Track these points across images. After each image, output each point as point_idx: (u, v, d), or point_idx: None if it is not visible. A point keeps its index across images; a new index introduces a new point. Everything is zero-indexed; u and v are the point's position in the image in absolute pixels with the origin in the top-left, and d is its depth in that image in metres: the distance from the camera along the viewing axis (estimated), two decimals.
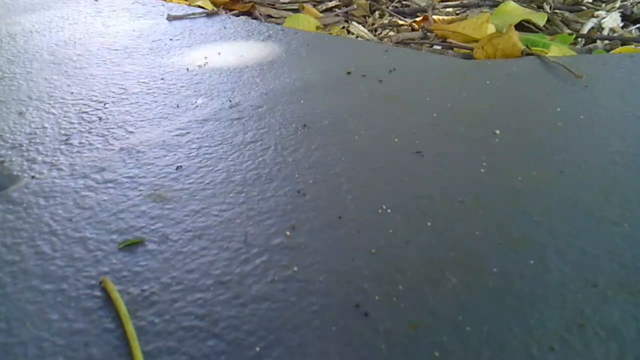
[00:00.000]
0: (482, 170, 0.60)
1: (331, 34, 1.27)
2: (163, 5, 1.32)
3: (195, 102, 0.79)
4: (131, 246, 0.50)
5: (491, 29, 1.20)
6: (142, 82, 0.86)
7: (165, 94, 0.82)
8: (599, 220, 0.51)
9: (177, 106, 0.77)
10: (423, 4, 1.48)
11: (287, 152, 0.64)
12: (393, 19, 1.40)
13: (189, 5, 1.36)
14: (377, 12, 1.46)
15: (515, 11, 1.32)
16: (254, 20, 1.18)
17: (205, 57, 0.97)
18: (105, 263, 0.48)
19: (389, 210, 0.53)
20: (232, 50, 1.01)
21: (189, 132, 0.70)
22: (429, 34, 1.19)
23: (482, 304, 0.42)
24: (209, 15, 1.22)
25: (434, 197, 0.55)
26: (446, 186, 0.57)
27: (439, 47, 1.12)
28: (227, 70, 0.91)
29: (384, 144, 0.66)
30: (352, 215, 0.53)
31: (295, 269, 0.46)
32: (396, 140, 0.67)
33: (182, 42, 1.05)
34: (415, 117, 0.73)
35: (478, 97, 0.79)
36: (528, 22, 1.29)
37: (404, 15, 1.43)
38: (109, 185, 0.59)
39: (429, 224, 0.51)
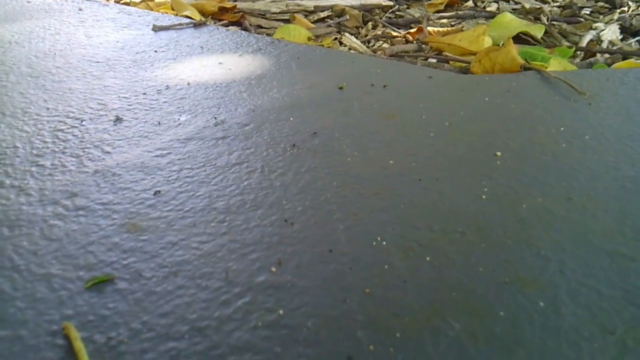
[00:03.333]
0: (484, 197, 0.56)
1: (323, 45, 1.23)
2: (149, 15, 1.27)
3: (178, 119, 0.74)
4: (100, 284, 0.45)
5: (488, 41, 1.17)
6: (123, 97, 0.82)
7: (146, 110, 0.77)
8: (612, 255, 0.47)
9: (159, 124, 0.73)
10: (417, 15, 1.45)
11: (275, 176, 0.60)
12: (386, 30, 1.36)
13: (176, 15, 1.31)
14: (370, 23, 1.42)
15: (512, 23, 1.28)
16: (243, 32, 1.14)
17: (191, 70, 0.92)
18: (70, 305, 0.43)
19: (384, 243, 0.49)
20: (219, 63, 0.96)
21: (169, 153, 0.65)
22: (423, 46, 1.15)
23: (488, 356, 0.38)
24: (196, 26, 1.18)
25: (433, 228, 0.51)
26: (446, 215, 0.53)
27: (434, 60, 1.09)
28: (212, 84, 0.86)
29: (379, 167, 0.61)
30: (344, 249, 0.48)
31: (281, 312, 0.42)
32: (391, 162, 0.62)
33: (167, 54, 1.01)
34: (412, 137, 0.68)
35: (477, 116, 0.74)
36: (525, 34, 1.25)
37: (398, 26, 1.40)
38: (80, 213, 0.54)
39: (427, 259, 0.47)
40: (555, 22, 1.38)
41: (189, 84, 0.87)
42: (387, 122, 0.73)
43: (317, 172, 0.61)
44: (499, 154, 0.64)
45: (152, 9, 1.42)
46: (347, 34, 1.29)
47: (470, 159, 0.63)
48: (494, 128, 0.71)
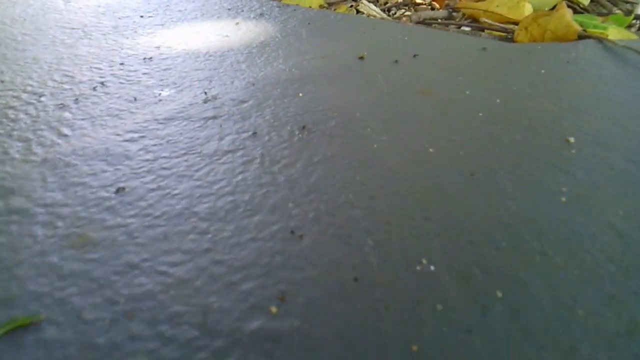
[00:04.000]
0: (563, 199, 0.40)
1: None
2: None
3: (159, 94, 0.59)
4: (17, 331, 0.30)
5: (528, 8, 1.00)
6: (95, 68, 0.67)
7: (121, 83, 0.62)
8: None
9: (134, 99, 0.58)
10: None
11: (278, 168, 0.45)
12: None
13: None
14: None
15: None
16: None
17: (181, 38, 0.77)
18: None
19: (432, 267, 0.34)
20: (215, 29, 0.81)
21: (143, 136, 0.50)
22: (454, 13, 0.99)
23: None
24: None
25: (500, 245, 0.36)
26: (515, 225, 0.38)
27: (467, 29, 0.92)
28: (205, 54, 0.71)
29: (415, 156, 0.46)
30: (374, 276, 0.33)
31: None
32: (431, 150, 0.47)
33: (155, 19, 0.85)
34: (454, 118, 0.53)
35: (535, 91, 0.59)
36: (570, 1, 1.09)
37: None
38: (13, 218, 0.39)
39: (498, 294, 0.32)
40: None
41: (176, 52, 0.72)
42: (421, 100, 0.57)
43: (335, 163, 0.46)
44: (571, 140, 0.49)
45: None
46: (364, 1, 1.12)
47: (535, 146, 0.48)
48: (558, 107, 0.55)
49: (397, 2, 1.17)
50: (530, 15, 0.82)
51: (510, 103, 0.56)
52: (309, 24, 0.83)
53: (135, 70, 0.66)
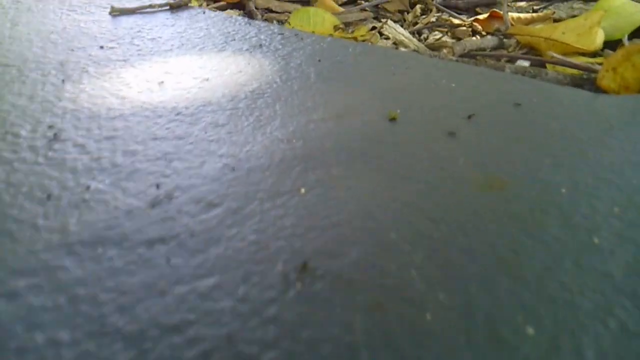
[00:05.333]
0: None
1: (356, 38, 0.85)
2: None
3: (87, 187, 0.38)
4: None
5: (600, 36, 0.78)
6: (10, 135, 0.46)
7: (37, 164, 0.42)
8: None
9: (47, 198, 0.37)
10: None
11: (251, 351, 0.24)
12: (443, 16, 0.98)
13: None
14: (418, 7, 1.04)
15: (627, 8, 0.89)
16: (240, 18, 0.77)
17: (144, 81, 0.56)
18: None
19: None
20: (194, 68, 0.60)
21: (21, 296, 0.29)
22: (505, 40, 0.77)
23: None
24: (173, 8, 0.81)
25: None
26: None
27: (525, 64, 0.71)
28: (172, 110, 0.50)
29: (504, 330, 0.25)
30: None
31: None
32: (530, 331, 0.25)
33: (117, 52, 0.64)
34: (553, 243, 0.31)
35: None
36: None
37: (458, 11, 1.01)
38: None
39: None
40: None
41: (132, 108, 0.51)
42: (490, 200, 0.36)
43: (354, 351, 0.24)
44: None
45: None
46: (389, 22, 0.91)
47: None
48: None
49: (429, 23, 0.95)
50: (621, 51, 0.60)
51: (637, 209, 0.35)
52: (319, 60, 0.62)
53: (66, 140, 0.45)
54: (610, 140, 0.45)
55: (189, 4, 0.84)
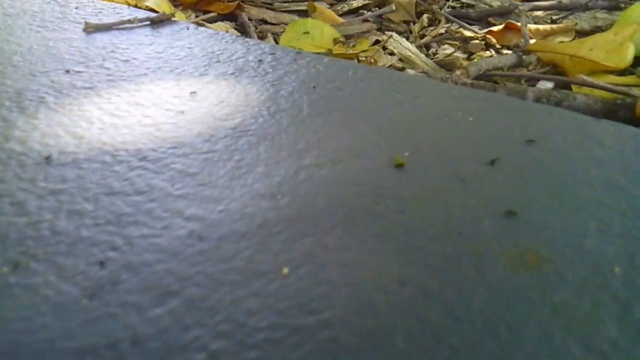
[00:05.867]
0: None
1: (356, 55, 0.77)
2: (92, 5, 0.83)
3: (15, 266, 0.30)
4: None
5: (631, 52, 0.69)
6: None
7: None
8: None
9: None
10: (496, 4, 0.98)
11: None
12: (452, 28, 0.90)
13: (135, 6, 0.87)
14: (425, 16, 0.96)
15: None
16: (226, 34, 0.69)
17: (108, 116, 0.48)
18: None
19: None
20: (168, 97, 0.52)
21: None
22: (524, 57, 0.68)
23: None
24: (155, 22, 0.73)
25: None
26: None
27: (549, 85, 0.62)
28: (135, 153, 0.42)
29: None
30: None
31: None
32: None
33: (84, 77, 0.56)
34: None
35: None
36: None
37: (469, 21, 0.93)
38: None
39: None
40: None
41: (88, 151, 0.43)
42: (528, 277, 0.27)
43: None
44: None
45: None
46: (394, 35, 0.82)
47: None
48: None
49: (438, 36, 0.87)
50: None
51: None
52: (314, 87, 0.54)
53: (2, 196, 0.37)
54: None
55: (173, 18, 0.76)
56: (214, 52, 0.64)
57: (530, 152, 0.41)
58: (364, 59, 0.75)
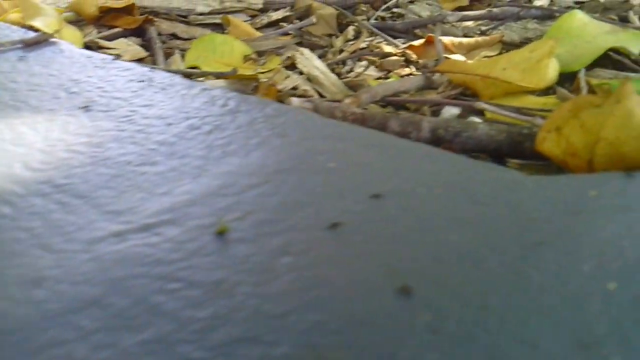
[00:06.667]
0: None
1: (255, 77, 0.70)
2: None
3: None
4: None
5: (554, 68, 0.63)
6: None
7: None
8: None
9: None
10: (425, 14, 0.91)
11: None
12: (375, 42, 0.83)
13: (24, 25, 0.79)
14: (351, 29, 0.89)
15: (589, 29, 0.74)
16: (101, 58, 0.61)
17: None
18: None
19: None
20: None
21: None
22: (435, 76, 0.62)
23: None
24: (30, 45, 0.65)
25: None
26: None
27: (455, 111, 0.55)
28: None
29: None
30: None
31: None
32: None
33: None
34: None
35: None
36: (614, 50, 0.72)
37: (395, 33, 0.86)
38: None
39: None
40: None
41: None
42: None
43: None
44: None
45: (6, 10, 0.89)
46: (304, 51, 0.75)
47: None
48: None
49: (357, 51, 0.80)
50: (568, 105, 0.45)
51: None
52: (169, 124, 0.46)
53: None
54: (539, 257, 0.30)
55: (53, 39, 0.68)
56: (74, 80, 0.56)
57: (377, 212, 0.34)
58: (265, 80, 0.68)
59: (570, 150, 0.44)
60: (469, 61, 0.69)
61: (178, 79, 0.55)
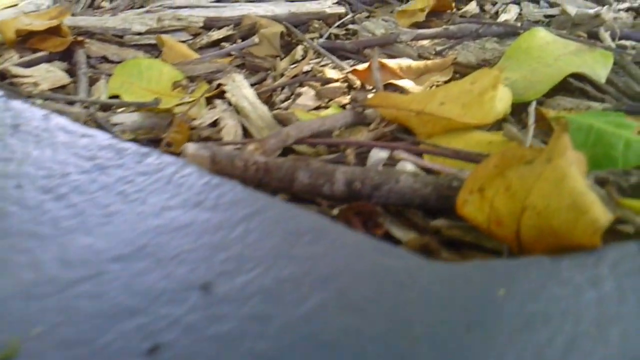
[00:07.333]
0: None
1: (171, 110, 0.62)
2: None
3: None
4: None
5: (505, 99, 0.56)
6: None
7: None
8: None
9: None
10: (380, 32, 0.84)
11: None
12: (320, 64, 0.75)
13: None
14: (300, 48, 0.81)
15: (552, 49, 0.67)
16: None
17: None
18: None
19: None
20: None
21: None
22: (367, 111, 0.54)
23: None
24: None
25: None
26: None
27: (383, 154, 0.48)
28: None
29: None
30: None
31: None
32: None
33: None
34: None
35: None
36: (577, 75, 0.64)
37: (345, 53, 0.79)
38: None
39: None
40: (622, 41, 0.77)
41: None
42: None
43: None
44: None
45: None
46: (238, 77, 0.68)
47: None
48: None
49: (301, 74, 0.72)
50: (493, 160, 0.37)
51: None
52: None
53: None
54: None
55: None
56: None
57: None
58: (179, 114, 0.60)
59: (494, 217, 0.36)
60: (412, 91, 0.61)
61: (57, 120, 0.47)
